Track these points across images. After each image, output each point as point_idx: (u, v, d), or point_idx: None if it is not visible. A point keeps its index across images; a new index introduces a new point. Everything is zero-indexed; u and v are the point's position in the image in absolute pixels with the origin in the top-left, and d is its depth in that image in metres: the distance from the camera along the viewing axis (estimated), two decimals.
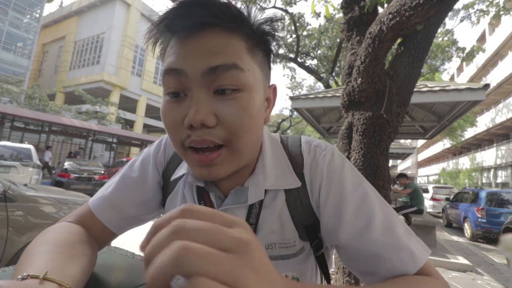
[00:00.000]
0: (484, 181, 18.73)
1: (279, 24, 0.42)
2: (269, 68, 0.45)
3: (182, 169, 0.50)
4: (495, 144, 18.00)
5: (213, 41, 0.36)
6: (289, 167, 0.47)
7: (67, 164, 8.06)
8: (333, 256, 0.54)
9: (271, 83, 0.47)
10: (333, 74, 9.24)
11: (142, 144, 17.46)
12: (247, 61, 0.38)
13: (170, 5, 0.38)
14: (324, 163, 0.46)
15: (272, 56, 0.45)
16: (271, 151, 0.49)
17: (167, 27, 0.38)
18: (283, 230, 0.45)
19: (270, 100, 0.46)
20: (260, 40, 0.41)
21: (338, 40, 8.34)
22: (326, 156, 0.47)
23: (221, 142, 0.38)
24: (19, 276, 0.32)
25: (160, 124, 24.79)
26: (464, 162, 21.72)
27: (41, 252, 0.38)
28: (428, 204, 10.52)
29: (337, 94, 3.98)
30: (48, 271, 0.33)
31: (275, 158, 0.48)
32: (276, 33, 0.42)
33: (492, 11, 8.27)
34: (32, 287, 0.30)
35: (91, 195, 0.55)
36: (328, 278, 0.50)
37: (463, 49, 10.44)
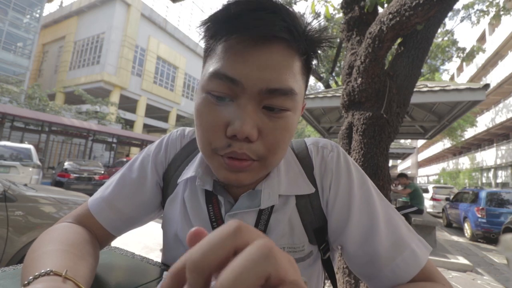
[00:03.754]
0: (484, 181, 18.73)
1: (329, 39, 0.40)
2: (308, 84, 0.44)
3: (189, 171, 0.48)
4: (495, 144, 18.00)
5: (277, 58, 0.35)
6: (301, 172, 0.47)
7: (67, 164, 8.06)
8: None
9: None
10: (333, 74, 9.23)
11: (142, 144, 17.45)
12: (300, 82, 0.38)
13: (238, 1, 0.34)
14: (332, 163, 0.47)
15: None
16: (284, 157, 0.49)
17: (237, 27, 0.34)
18: (292, 234, 0.45)
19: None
20: (311, 57, 0.40)
21: (338, 40, 8.34)
22: (334, 157, 0.48)
23: (257, 158, 0.37)
24: (42, 271, 0.31)
25: (160, 124, 24.81)
26: (464, 162, 21.72)
27: (52, 250, 0.37)
28: (428, 204, 10.52)
29: (337, 94, 3.97)
30: (67, 270, 0.32)
31: (287, 164, 0.48)
32: (326, 50, 0.41)
33: (492, 11, 8.26)
34: (57, 286, 0.30)
35: (91, 195, 0.54)
36: (334, 281, 0.50)
37: (463, 49, 10.43)
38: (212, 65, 0.36)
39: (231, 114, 0.35)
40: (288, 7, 0.35)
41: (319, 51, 0.40)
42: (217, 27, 0.36)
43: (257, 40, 0.34)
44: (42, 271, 0.31)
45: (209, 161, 0.40)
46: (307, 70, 0.41)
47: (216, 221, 0.45)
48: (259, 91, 0.35)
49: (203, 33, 0.38)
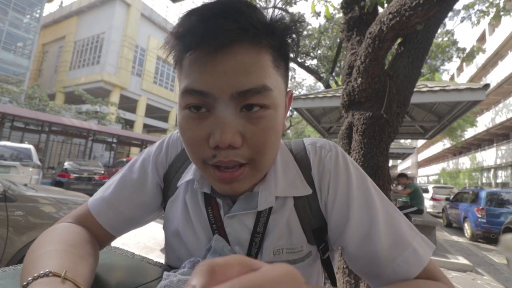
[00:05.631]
0: (484, 181, 18.73)
1: (301, 26, 0.39)
2: (288, 75, 0.43)
3: (188, 174, 0.49)
4: (495, 144, 18.00)
5: (242, 60, 0.34)
6: (299, 173, 0.47)
7: (67, 164, 8.06)
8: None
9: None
10: (333, 74, 9.23)
11: (142, 144, 17.45)
12: (273, 76, 0.37)
13: (192, 13, 0.34)
14: (330, 163, 0.47)
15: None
16: (281, 157, 0.49)
17: (192, 43, 0.33)
18: (291, 235, 0.45)
19: (286, 106, 0.45)
20: (282, 47, 0.39)
21: (338, 40, 8.34)
22: (332, 157, 0.47)
23: (246, 161, 0.37)
24: (41, 272, 0.31)
25: (160, 124, 24.81)
26: (464, 162, 21.72)
27: (52, 251, 0.37)
28: (428, 204, 10.53)
29: (337, 94, 3.97)
30: (66, 271, 0.32)
31: (285, 165, 0.48)
32: (299, 37, 0.40)
33: (492, 11, 8.26)
34: (56, 287, 0.30)
35: (91, 195, 0.54)
36: (334, 281, 0.50)
37: (463, 49, 10.44)
38: (183, 82, 0.36)
39: (211, 126, 0.35)
40: (245, 2, 0.34)
41: (291, 38, 0.39)
42: (175, 43, 0.35)
43: (218, 48, 0.33)
44: (41, 272, 0.31)
45: (203, 174, 0.41)
46: (284, 61, 0.40)
47: (215, 223, 0.46)
48: (230, 96, 0.34)
49: (168, 51, 0.38)
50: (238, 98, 0.35)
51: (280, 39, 0.37)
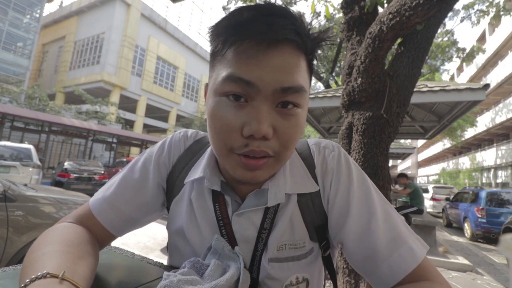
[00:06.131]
0: (484, 181, 18.74)
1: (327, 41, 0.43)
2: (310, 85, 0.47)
3: (197, 172, 0.49)
4: (495, 144, 18.01)
5: (288, 60, 0.37)
6: (305, 171, 0.49)
7: (67, 164, 8.06)
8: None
9: None
10: (333, 74, 9.23)
11: (142, 144, 17.45)
12: (307, 80, 0.41)
13: (249, 8, 0.36)
14: (333, 162, 0.49)
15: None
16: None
17: (249, 32, 0.35)
18: (293, 231, 0.46)
19: None
20: (312, 57, 0.42)
21: (338, 40, 8.34)
22: (334, 156, 0.50)
23: (273, 154, 0.39)
24: (39, 274, 0.31)
25: (160, 124, 24.81)
26: (464, 162, 21.72)
27: (51, 251, 0.37)
28: (428, 204, 10.54)
29: (337, 94, 3.98)
30: (65, 271, 0.32)
31: (292, 163, 0.50)
32: (326, 49, 0.43)
33: (492, 11, 8.26)
34: (54, 287, 0.30)
35: (91, 195, 0.54)
36: (334, 279, 0.51)
37: (463, 49, 10.44)
38: (225, 70, 0.37)
39: (247, 115, 0.37)
40: (292, 11, 0.38)
41: (319, 51, 0.43)
42: (228, 32, 0.36)
43: (269, 43, 0.36)
44: (39, 273, 0.31)
45: (225, 161, 0.41)
46: (311, 69, 0.43)
47: (222, 219, 0.46)
48: (273, 91, 0.36)
49: (212, 38, 0.39)
50: (279, 93, 0.37)
51: (315, 48, 0.41)
